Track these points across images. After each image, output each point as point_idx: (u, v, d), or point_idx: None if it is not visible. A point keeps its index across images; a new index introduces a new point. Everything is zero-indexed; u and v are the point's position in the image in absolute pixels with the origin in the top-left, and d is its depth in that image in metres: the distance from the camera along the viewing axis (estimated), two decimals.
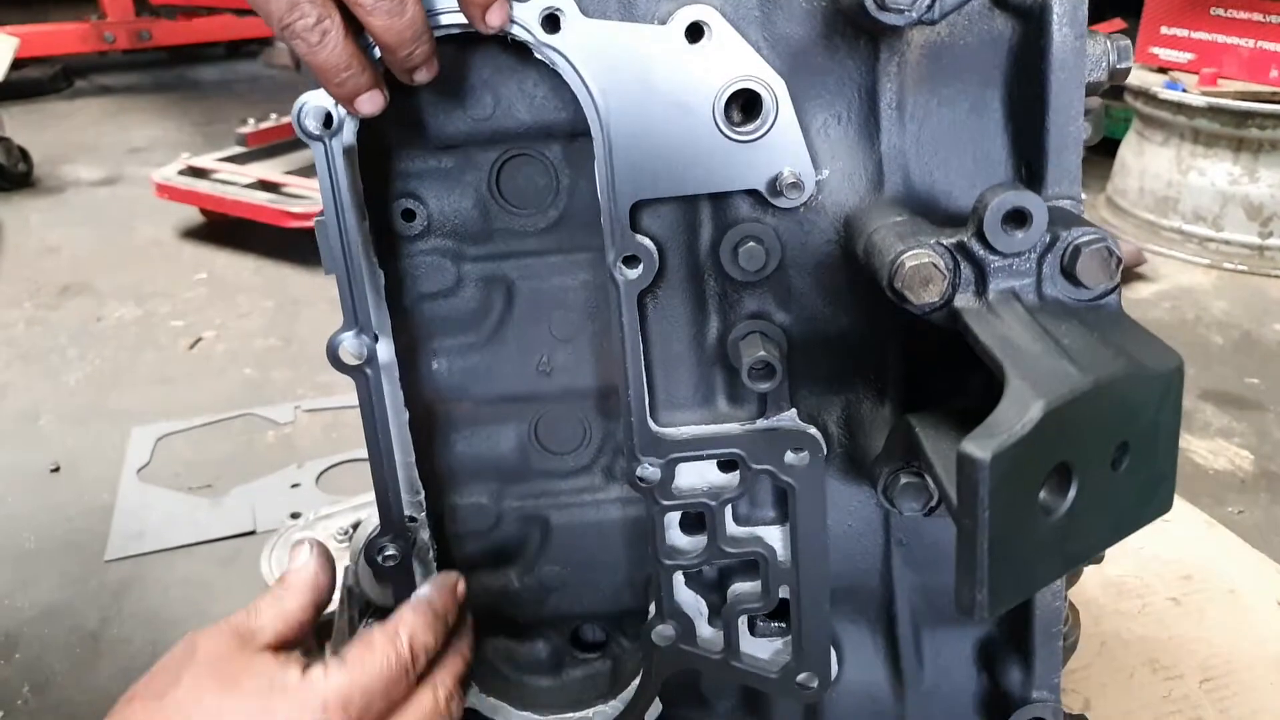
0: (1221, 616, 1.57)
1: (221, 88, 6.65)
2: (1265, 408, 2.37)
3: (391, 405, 0.86)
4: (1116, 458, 0.59)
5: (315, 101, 0.76)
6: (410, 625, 0.81)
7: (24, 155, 4.42)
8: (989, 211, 0.65)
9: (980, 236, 0.66)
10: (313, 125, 0.77)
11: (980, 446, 0.52)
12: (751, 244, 0.81)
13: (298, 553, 0.85)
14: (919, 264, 0.67)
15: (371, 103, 0.74)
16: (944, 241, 0.67)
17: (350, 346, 0.83)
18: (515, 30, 0.74)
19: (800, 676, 0.92)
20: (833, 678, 0.95)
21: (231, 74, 7.07)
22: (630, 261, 0.80)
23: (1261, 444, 2.23)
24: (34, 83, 6.22)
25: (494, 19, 0.72)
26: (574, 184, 0.87)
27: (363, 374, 0.84)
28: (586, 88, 0.76)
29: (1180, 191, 3.38)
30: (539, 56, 0.75)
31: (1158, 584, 1.65)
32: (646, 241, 0.80)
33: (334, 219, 0.79)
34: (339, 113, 0.76)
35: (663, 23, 0.75)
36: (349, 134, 0.77)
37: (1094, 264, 0.66)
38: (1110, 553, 1.67)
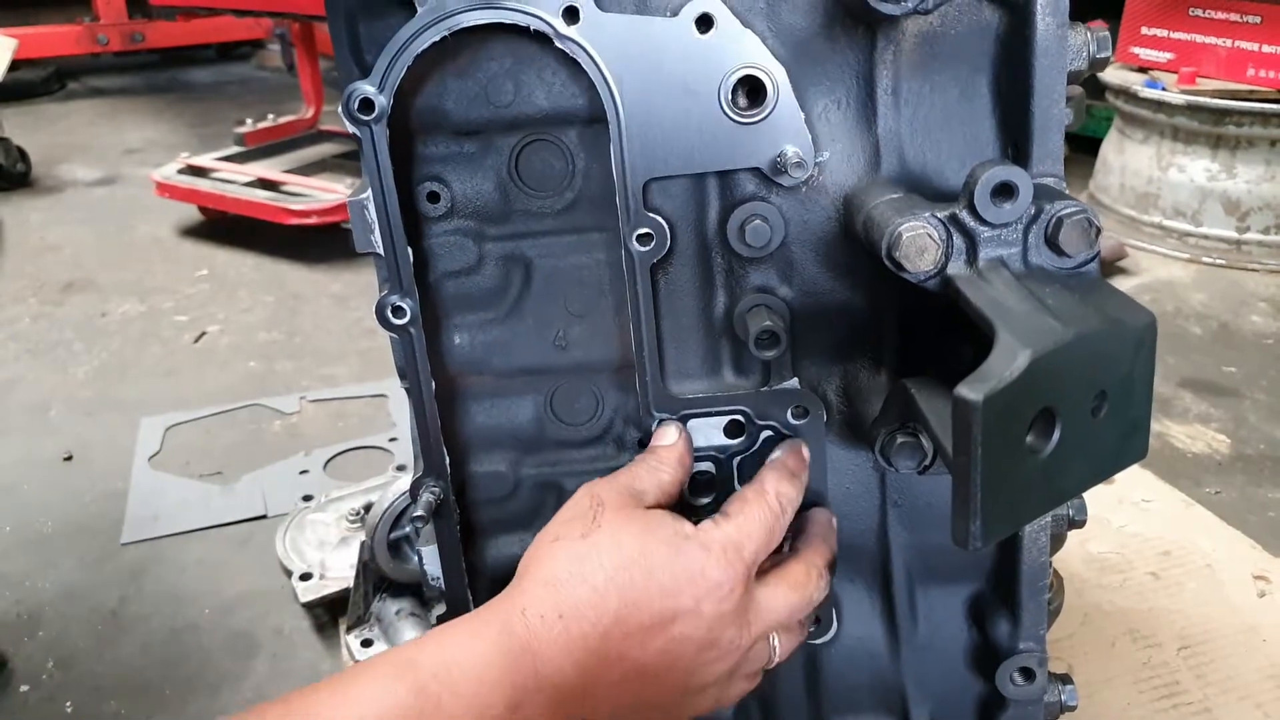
0: (1198, 589, 1.63)
1: (214, 90, 6.68)
2: (1241, 394, 2.43)
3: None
4: (1096, 405, 0.65)
5: (360, 91, 0.82)
6: (773, 480, 0.88)
7: (22, 155, 4.44)
8: (979, 184, 0.70)
9: (971, 208, 0.71)
10: (359, 111, 0.82)
11: (974, 390, 0.58)
12: (758, 222, 0.87)
13: (665, 431, 0.92)
14: (915, 234, 0.72)
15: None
16: (938, 214, 0.73)
17: (395, 309, 0.90)
18: (537, 22, 0.80)
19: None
20: (833, 634, 1.01)
21: (224, 76, 7.10)
22: (643, 238, 0.86)
23: (1238, 429, 2.29)
24: (27, 85, 6.24)
25: None
26: (588, 167, 0.92)
27: (407, 333, 0.90)
28: (603, 75, 0.81)
29: (1160, 188, 3.45)
30: (559, 46, 0.81)
31: (1138, 560, 1.71)
32: (658, 218, 0.86)
33: (379, 196, 0.85)
34: (380, 101, 0.82)
35: (674, 14, 0.81)
36: (387, 120, 0.83)
37: (1075, 234, 0.72)
38: (1092, 531, 1.75)
